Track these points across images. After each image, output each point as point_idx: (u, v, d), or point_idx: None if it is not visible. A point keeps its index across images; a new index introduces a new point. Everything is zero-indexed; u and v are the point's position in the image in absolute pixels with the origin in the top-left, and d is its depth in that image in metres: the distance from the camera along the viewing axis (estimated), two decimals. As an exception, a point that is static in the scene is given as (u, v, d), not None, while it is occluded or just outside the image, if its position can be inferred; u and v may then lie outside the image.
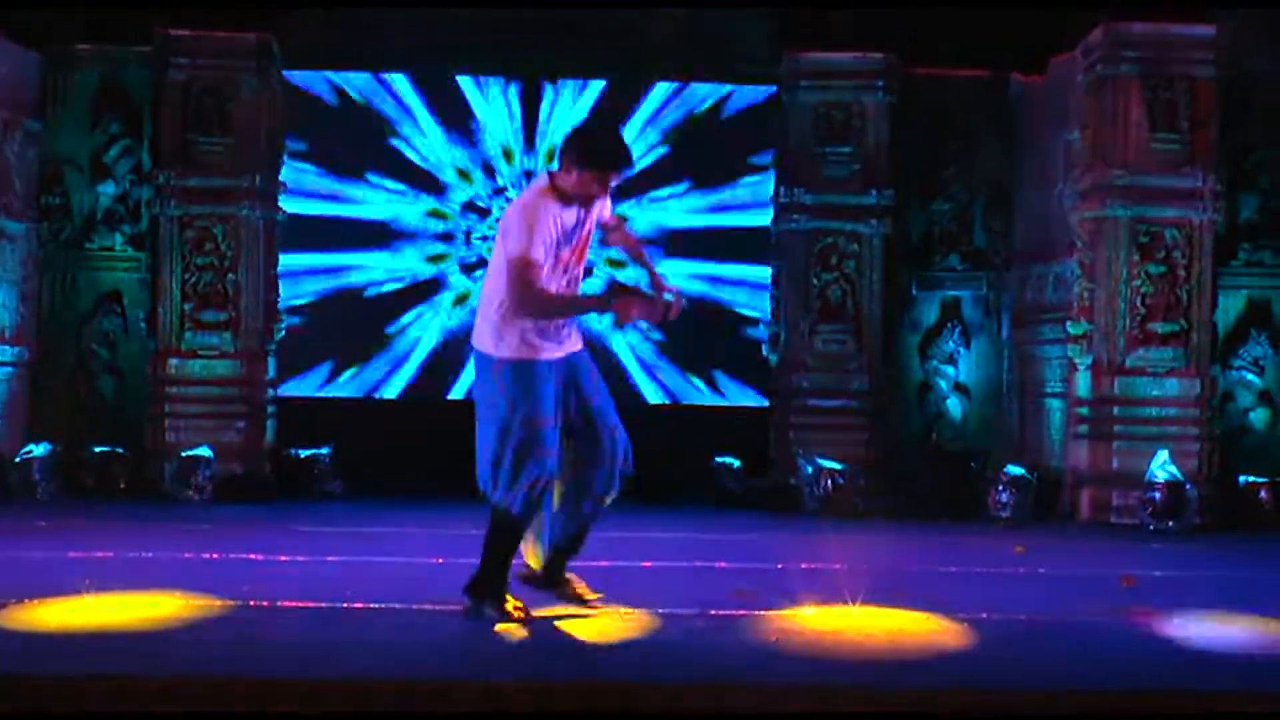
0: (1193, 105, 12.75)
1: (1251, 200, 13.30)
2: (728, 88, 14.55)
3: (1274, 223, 13.31)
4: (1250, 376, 13.30)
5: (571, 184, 6.83)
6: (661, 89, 14.55)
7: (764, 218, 14.07)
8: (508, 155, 14.58)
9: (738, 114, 14.55)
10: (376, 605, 7.23)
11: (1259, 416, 13.29)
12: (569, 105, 14.55)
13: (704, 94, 14.56)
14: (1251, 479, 12.87)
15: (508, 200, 14.48)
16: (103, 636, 6.37)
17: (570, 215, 6.87)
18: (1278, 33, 12.85)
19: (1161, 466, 12.31)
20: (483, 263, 14.48)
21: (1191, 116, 12.75)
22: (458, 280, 14.55)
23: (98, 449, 13.29)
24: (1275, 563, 10.50)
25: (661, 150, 14.49)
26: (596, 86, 14.55)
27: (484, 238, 14.50)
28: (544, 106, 14.57)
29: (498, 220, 7.12)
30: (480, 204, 14.56)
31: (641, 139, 14.47)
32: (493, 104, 14.54)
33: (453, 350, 14.47)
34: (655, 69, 14.49)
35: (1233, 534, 12.10)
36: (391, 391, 14.50)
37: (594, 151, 6.87)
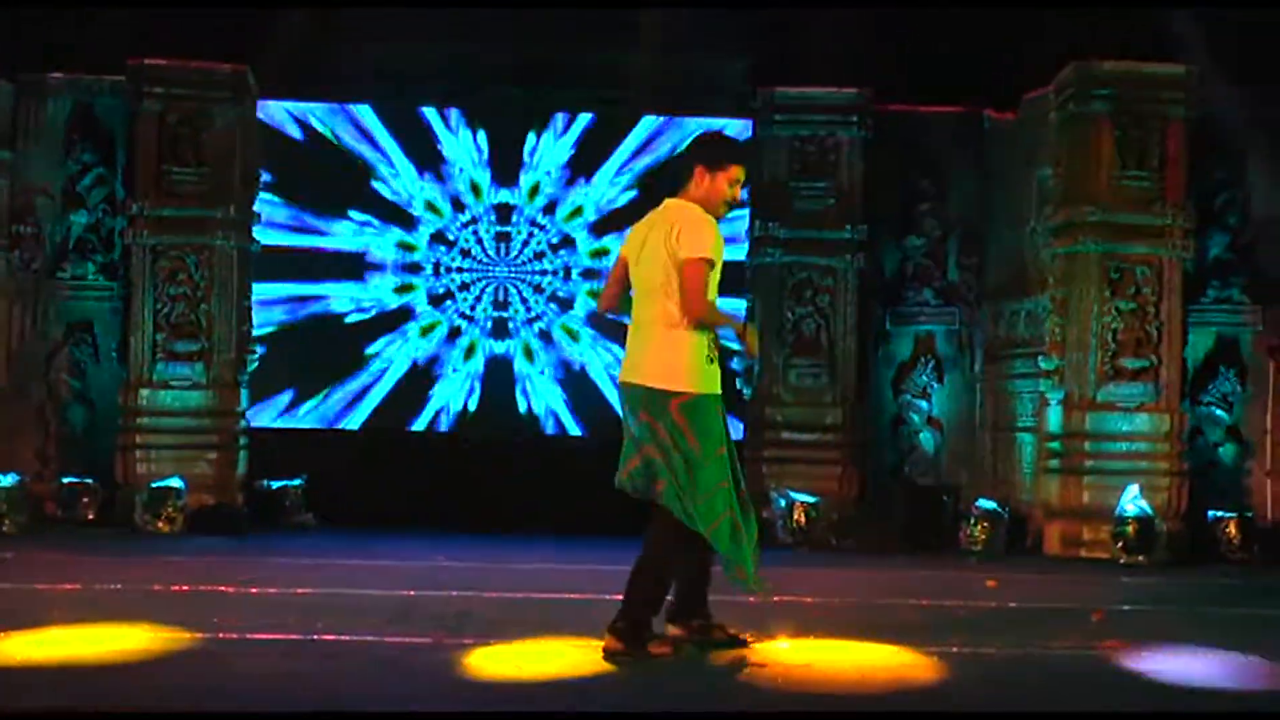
0: (1163, 143, 12.86)
1: (1220, 238, 13.39)
2: (704, 122, 14.58)
3: (1242, 260, 13.40)
4: (1219, 412, 13.37)
5: (706, 192, 6.82)
6: (643, 124, 14.60)
7: (739, 252, 14.11)
8: (476, 190, 14.60)
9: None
10: (347, 638, 7.20)
11: (1227, 452, 13.35)
12: (552, 141, 14.59)
13: (680, 130, 14.59)
14: (1220, 514, 12.94)
15: (475, 232, 14.52)
16: (70, 670, 6.32)
17: None
18: (1245, 73, 12.94)
19: (1132, 501, 12.36)
20: (449, 294, 14.51)
21: (1161, 155, 12.85)
22: (425, 311, 14.56)
23: (67, 479, 13.24)
24: (1243, 597, 10.52)
25: (635, 187, 14.53)
26: (582, 120, 14.61)
27: (450, 269, 14.52)
28: (528, 141, 14.61)
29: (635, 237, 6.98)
30: (449, 236, 14.57)
31: (619, 176, 14.54)
32: (462, 139, 14.56)
33: (421, 380, 14.49)
34: (633, 105, 14.53)
35: (1201, 569, 12.14)
36: (355, 423, 14.47)
37: (727, 146, 7.05)
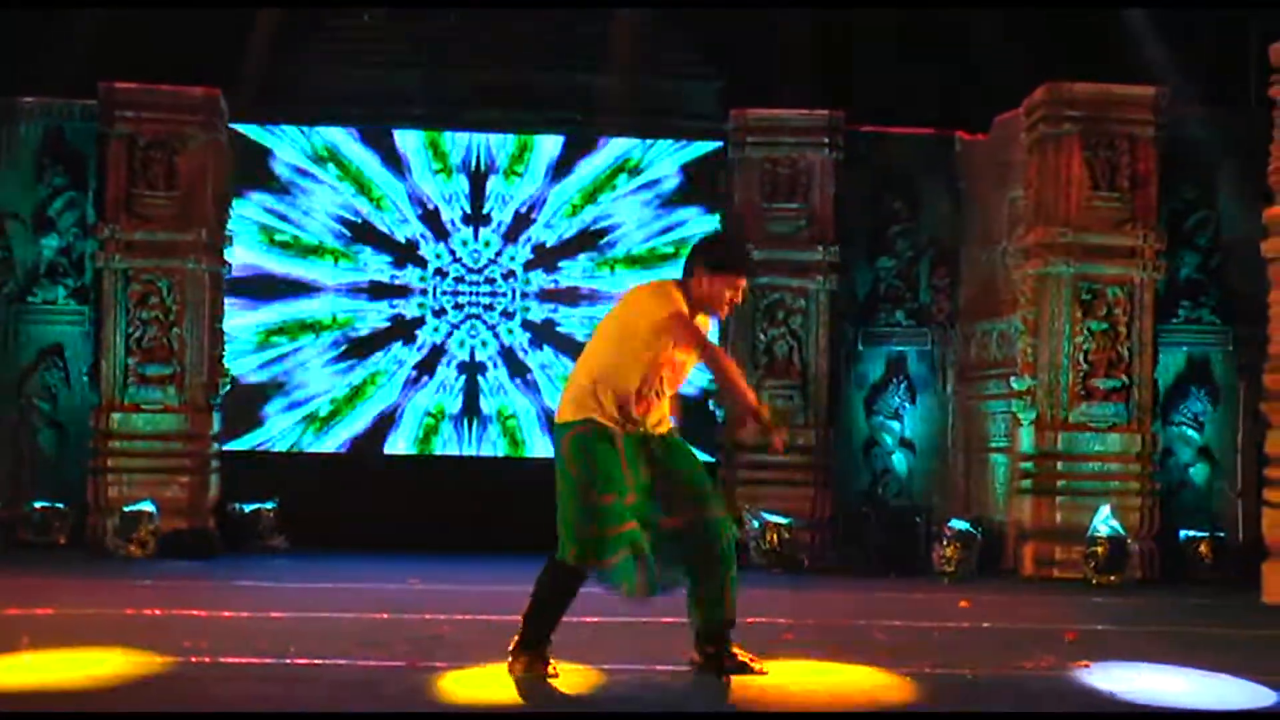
0: (1133, 164, 12.94)
1: (1191, 259, 13.45)
2: (677, 144, 14.63)
3: (1213, 281, 13.45)
4: (1190, 432, 13.41)
5: (703, 292, 6.78)
6: (614, 146, 14.62)
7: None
8: (444, 212, 14.61)
9: (687, 170, 14.61)
10: (320, 661, 7.18)
11: (1198, 472, 13.40)
12: (526, 163, 14.60)
13: (655, 150, 14.62)
14: (1191, 534, 12.99)
15: (459, 260, 14.50)
16: (42, 695, 6.29)
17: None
18: (1215, 95, 13.03)
19: (1104, 521, 12.41)
20: (419, 321, 14.49)
21: (1132, 176, 12.93)
22: (403, 335, 14.56)
23: (39, 504, 13.19)
24: (1215, 617, 10.55)
25: (611, 209, 14.54)
26: (555, 141, 14.63)
27: (422, 291, 14.51)
28: (501, 162, 14.63)
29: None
30: (423, 256, 14.57)
31: (599, 196, 14.57)
32: (433, 160, 14.56)
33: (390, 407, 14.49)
34: (607, 126, 14.55)
35: (1173, 588, 12.18)
36: (327, 446, 14.44)
37: (731, 254, 6.94)
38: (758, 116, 14.18)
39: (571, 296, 14.65)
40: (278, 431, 14.37)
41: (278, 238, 14.35)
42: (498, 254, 14.63)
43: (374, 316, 14.54)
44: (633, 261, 14.58)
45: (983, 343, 14.10)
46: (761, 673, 6.82)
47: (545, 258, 14.65)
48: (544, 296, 14.67)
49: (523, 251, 14.63)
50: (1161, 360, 13.31)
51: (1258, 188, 11.64)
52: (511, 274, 14.64)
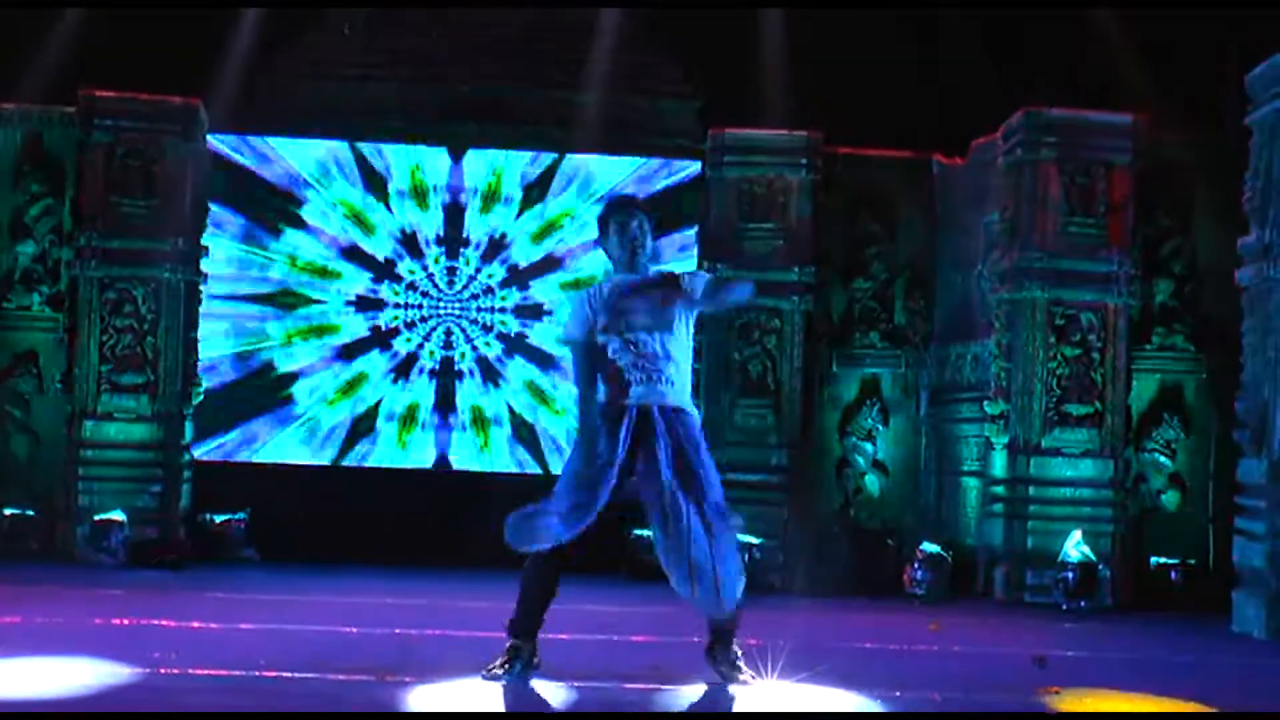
0: (1109, 190, 12.99)
1: (1165, 286, 13.47)
2: (653, 161, 14.66)
3: (1187, 308, 13.49)
4: (1162, 459, 13.43)
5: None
6: (588, 163, 14.65)
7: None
8: (419, 226, 14.62)
9: (662, 189, 14.64)
10: (289, 674, 7.16)
11: (1170, 499, 13.42)
12: (501, 176, 14.62)
13: (629, 169, 14.65)
14: (1163, 560, 13.02)
15: (425, 269, 14.50)
16: (7, 705, 6.26)
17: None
18: (1192, 123, 13.09)
19: (1075, 546, 12.43)
20: (392, 332, 14.48)
21: (1108, 202, 12.99)
22: (379, 348, 14.54)
23: (9, 510, 13.11)
24: (1186, 644, 10.59)
25: (586, 225, 14.55)
26: (527, 157, 14.66)
27: (395, 305, 14.50)
28: (477, 174, 14.64)
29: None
30: (396, 270, 14.57)
31: (576, 211, 14.60)
32: (410, 172, 14.57)
33: (367, 420, 14.47)
34: (582, 145, 14.56)
35: (1144, 615, 12.21)
36: (299, 458, 14.42)
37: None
38: (735, 136, 14.21)
39: (537, 313, 14.68)
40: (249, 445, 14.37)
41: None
42: (477, 271, 14.64)
43: (345, 330, 14.54)
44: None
45: (957, 366, 14.14)
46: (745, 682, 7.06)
47: (517, 278, 14.67)
48: (517, 312, 14.70)
49: (498, 270, 14.65)
50: (1135, 387, 13.34)
51: (1234, 215, 11.69)
52: (489, 290, 14.66)
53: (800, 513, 13.90)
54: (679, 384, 7.05)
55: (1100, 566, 12.47)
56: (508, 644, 7.09)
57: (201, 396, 13.78)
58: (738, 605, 6.98)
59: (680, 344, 7.08)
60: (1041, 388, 13.01)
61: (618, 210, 7.30)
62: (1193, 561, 13.10)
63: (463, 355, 14.62)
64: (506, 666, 7.03)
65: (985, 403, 13.29)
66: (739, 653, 7.19)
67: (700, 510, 6.82)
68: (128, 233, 13.40)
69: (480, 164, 14.66)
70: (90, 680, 6.83)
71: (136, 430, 13.42)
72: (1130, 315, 13.15)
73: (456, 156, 14.63)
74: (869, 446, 14.40)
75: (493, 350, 14.64)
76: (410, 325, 14.57)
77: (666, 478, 6.85)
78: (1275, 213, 10.94)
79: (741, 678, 7.10)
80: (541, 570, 7.10)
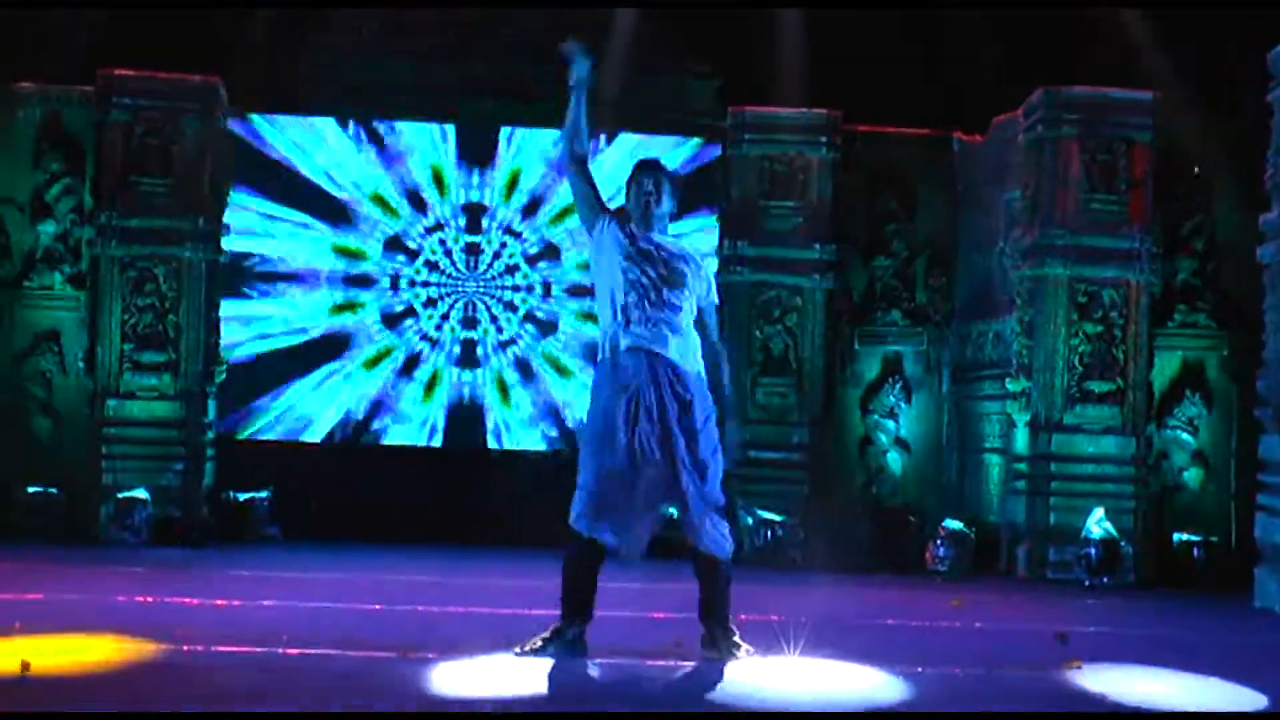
0: (1130, 167, 12.95)
1: (1187, 263, 13.44)
2: (674, 140, 14.62)
3: (1208, 285, 13.44)
4: (1184, 436, 13.40)
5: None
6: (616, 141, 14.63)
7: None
8: (440, 187, 14.59)
9: (683, 166, 14.61)
10: (312, 651, 7.17)
11: (1192, 476, 13.39)
12: (519, 152, 14.61)
13: (653, 148, 14.62)
14: (1185, 537, 13.00)
15: (442, 241, 14.50)
16: (32, 680, 6.28)
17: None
18: (1212, 100, 13.03)
19: (1097, 523, 12.42)
20: (410, 311, 14.48)
21: (1129, 179, 12.95)
22: (380, 331, 14.55)
23: (32, 489, 13.14)
24: (1207, 621, 10.57)
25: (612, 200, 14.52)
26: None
27: (413, 282, 14.49)
28: (500, 148, 14.63)
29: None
30: (410, 245, 14.57)
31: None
32: (431, 144, 14.59)
33: (387, 399, 14.47)
34: (604, 122, 14.52)
35: (1166, 591, 12.19)
36: (323, 435, 14.44)
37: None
38: (756, 114, 14.18)
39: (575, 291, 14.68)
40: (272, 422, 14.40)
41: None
42: (501, 247, 14.63)
43: (354, 310, 14.54)
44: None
45: (978, 343, 14.12)
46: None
47: (543, 255, 14.67)
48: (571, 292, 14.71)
49: (517, 247, 14.65)
50: (1156, 364, 13.31)
51: (1254, 193, 11.64)
52: (516, 268, 14.66)
53: (822, 490, 13.90)
54: (683, 340, 7.10)
55: (1122, 543, 12.45)
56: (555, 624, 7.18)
57: (224, 375, 13.80)
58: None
59: (685, 310, 7.14)
60: (1063, 365, 12.98)
61: (639, 169, 7.39)
62: (1214, 538, 13.08)
63: (485, 333, 14.62)
64: (541, 644, 7.04)
65: (1007, 380, 13.27)
66: (735, 630, 7.26)
67: (693, 465, 7.24)
68: (148, 211, 13.42)
69: (502, 143, 14.63)
70: (113, 656, 6.85)
71: (159, 408, 13.45)
72: (1152, 292, 13.12)
73: (476, 135, 14.60)
74: (891, 424, 14.39)
75: (513, 327, 14.64)
76: (431, 303, 14.56)
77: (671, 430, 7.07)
78: (1296, 190, 10.91)
79: (739, 653, 7.14)
80: (582, 553, 7.12)
